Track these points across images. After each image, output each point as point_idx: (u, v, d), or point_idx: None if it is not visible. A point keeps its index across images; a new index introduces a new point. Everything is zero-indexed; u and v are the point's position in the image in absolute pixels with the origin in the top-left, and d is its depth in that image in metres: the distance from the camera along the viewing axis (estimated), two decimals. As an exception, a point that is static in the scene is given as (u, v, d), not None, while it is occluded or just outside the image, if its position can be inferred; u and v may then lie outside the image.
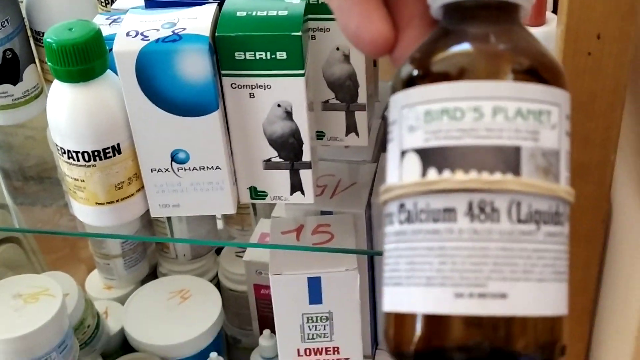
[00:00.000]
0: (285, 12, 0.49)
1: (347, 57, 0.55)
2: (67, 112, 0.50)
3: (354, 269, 0.60)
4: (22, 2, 0.65)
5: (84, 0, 0.64)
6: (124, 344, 0.81)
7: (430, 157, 0.27)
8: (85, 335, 0.76)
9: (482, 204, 0.26)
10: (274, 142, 0.52)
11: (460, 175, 0.26)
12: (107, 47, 0.50)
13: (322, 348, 0.63)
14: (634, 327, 0.41)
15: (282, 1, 0.51)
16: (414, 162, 0.28)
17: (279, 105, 0.51)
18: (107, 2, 0.64)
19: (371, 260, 0.68)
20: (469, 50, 0.28)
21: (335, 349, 0.63)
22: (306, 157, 0.53)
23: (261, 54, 0.49)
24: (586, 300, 0.46)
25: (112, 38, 0.49)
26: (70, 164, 0.52)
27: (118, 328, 0.81)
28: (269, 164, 0.53)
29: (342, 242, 0.61)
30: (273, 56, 0.48)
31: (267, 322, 0.76)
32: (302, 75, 0.49)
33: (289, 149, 0.52)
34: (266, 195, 0.55)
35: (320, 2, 0.53)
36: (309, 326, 0.62)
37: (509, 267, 0.26)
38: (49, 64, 0.49)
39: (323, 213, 0.65)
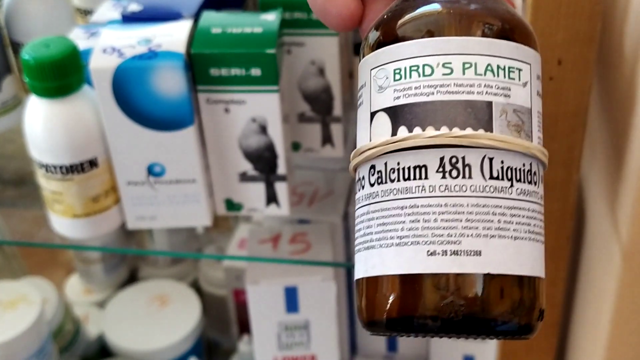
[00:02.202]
0: (260, 30, 0.50)
1: (322, 71, 0.55)
2: (44, 127, 0.50)
3: (330, 279, 0.61)
4: None
5: (62, 12, 0.64)
6: (104, 349, 0.81)
7: (400, 115, 0.26)
8: (64, 341, 0.76)
9: (454, 159, 0.26)
10: (249, 156, 0.53)
11: (431, 131, 0.26)
12: (85, 62, 0.50)
13: (299, 356, 0.64)
14: (605, 336, 0.42)
15: (257, 17, 0.51)
16: (384, 122, 0.27)
17: (253, 120, 0.51)
18: (86, 12, 0.64)
19: (348, 270, 0.68)
20: (437, 10, 0.27)
21: (312, 357, 0.64)
22: (281, 170, 0.53)
23: (236, 71, 0.49)
24: (554, 315, 0.47)
25: (90, 51, 0.50)
26: (48, 177, 0.52)
27: (98, 333, 0.81)
28: (244, 177, 0.54)
29: (318, 252, 0.62)
30: (248, 72, 0.49)
31: (247, 326, 0.76)
32: (277, 91, 0.50)
33: (263, 162, 0.53)
34: (242, 207, 0.55)
35: (295, 17, 0.53)
36: (286, 334, 0.63)
37: (482, 223, 0.25)
38: (26, 79, 0.50)
39: (300, 222, 0.65)
